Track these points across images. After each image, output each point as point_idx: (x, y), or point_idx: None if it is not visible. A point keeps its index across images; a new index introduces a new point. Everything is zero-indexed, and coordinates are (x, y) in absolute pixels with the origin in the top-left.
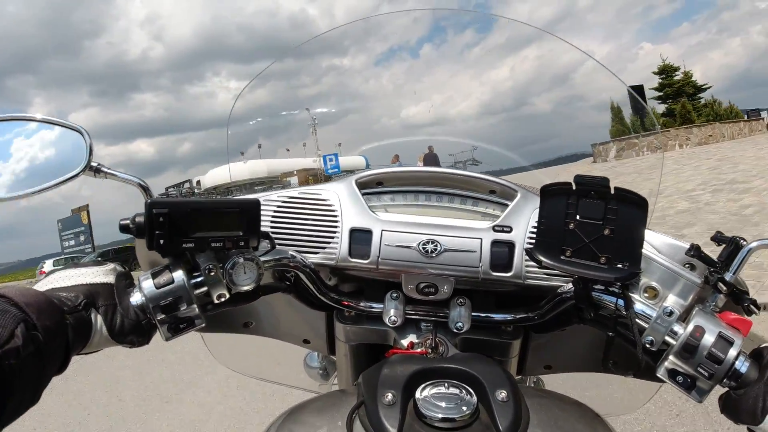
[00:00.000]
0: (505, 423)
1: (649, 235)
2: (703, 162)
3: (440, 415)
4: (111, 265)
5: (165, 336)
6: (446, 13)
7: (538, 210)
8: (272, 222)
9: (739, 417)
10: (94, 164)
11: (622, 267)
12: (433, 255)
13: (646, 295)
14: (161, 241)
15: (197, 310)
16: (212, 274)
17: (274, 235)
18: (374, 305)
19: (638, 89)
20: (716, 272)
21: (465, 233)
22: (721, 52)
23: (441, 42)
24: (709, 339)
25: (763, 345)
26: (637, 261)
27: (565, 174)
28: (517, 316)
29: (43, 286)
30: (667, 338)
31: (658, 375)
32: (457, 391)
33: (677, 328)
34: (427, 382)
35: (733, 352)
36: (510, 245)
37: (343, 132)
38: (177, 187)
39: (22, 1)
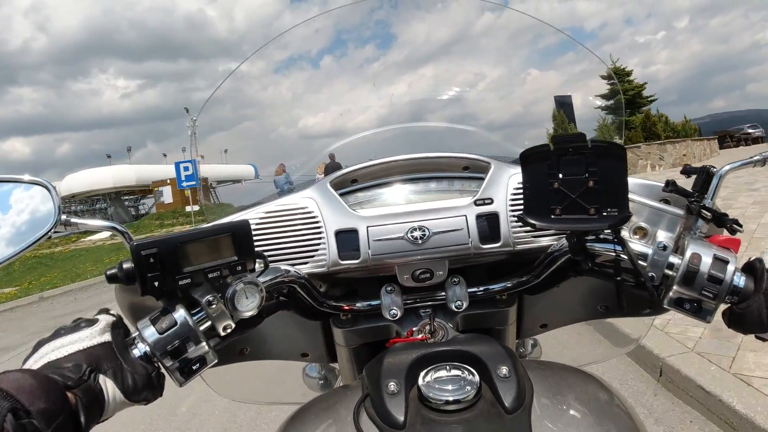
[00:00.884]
0: (509, 398)
1: None
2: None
3: (445, 398)
4: (102, 321)
5: (178, 382)
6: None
7: (514, 177)
8: (256, 241)
9: (747, 328)
10: (63, 217)
11: (611, 214)
12: (422, 241)
13: (636, 236)
14: (155, 284)
15: (206, 347)
16: (214, 306)
17: None
18: (373, 303)
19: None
20: (696, 201)
21: (449, 213)
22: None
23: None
24: (706, 262)
25: (753, 258)
26: (625, 205)
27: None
28: (513, 282)
29: (35, 363)
30: (666, 271)
31: (664, 306)
32: (458, 372)
33: (673, 259)
34: (429, 367)
35: (731, 269)
36: (494, 216)
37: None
38: None
39: None
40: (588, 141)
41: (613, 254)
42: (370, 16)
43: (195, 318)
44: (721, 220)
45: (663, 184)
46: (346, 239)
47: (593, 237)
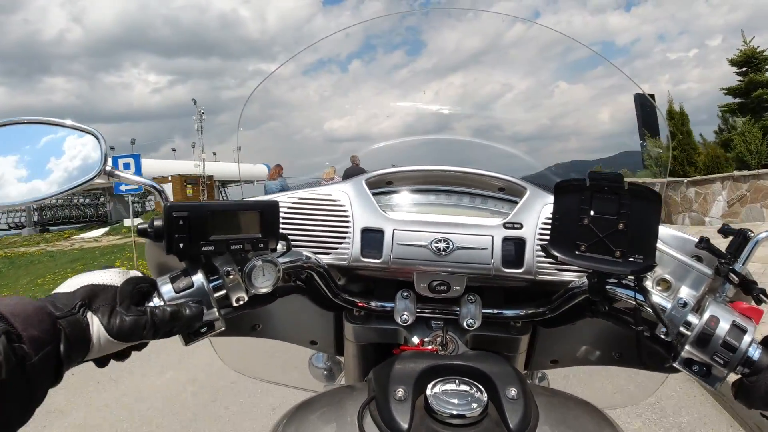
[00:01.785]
0: (515, 420)
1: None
2: None
3: (451, 412)
4: (128, 272)
5: (185, 341)
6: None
7: (547, 206)
8: (283, 224)
9: (753, 403)
10: (108, 168)
11: (636, 260)
12: (445, 253)
13: (659, 287)
14: (180, 245)
15: (217, 313)
16: (231, 276)
17: None
18: (386, 305)
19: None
20: (726, 263)
21: (476, 231)
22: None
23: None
24: (723, 328)
25: None
26: (651, 254)
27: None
28: (528, 312)
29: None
30: (681, 329)
31: (674, 365)
32: (467, 388)
33: (691, 318)
34: (438, 379)
35: (747, 339)
36: (521, 242)
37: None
38: None
39: None
40: (625, 182)
41: (633, 302)
42: (401, 22)
43: (212, 285)
44: (748, 287)
45: (697, 240)
46: (371, 238)
47: (615, 281)
